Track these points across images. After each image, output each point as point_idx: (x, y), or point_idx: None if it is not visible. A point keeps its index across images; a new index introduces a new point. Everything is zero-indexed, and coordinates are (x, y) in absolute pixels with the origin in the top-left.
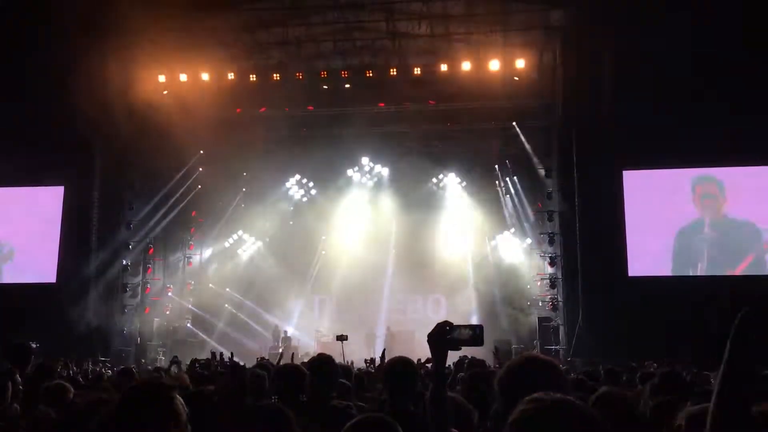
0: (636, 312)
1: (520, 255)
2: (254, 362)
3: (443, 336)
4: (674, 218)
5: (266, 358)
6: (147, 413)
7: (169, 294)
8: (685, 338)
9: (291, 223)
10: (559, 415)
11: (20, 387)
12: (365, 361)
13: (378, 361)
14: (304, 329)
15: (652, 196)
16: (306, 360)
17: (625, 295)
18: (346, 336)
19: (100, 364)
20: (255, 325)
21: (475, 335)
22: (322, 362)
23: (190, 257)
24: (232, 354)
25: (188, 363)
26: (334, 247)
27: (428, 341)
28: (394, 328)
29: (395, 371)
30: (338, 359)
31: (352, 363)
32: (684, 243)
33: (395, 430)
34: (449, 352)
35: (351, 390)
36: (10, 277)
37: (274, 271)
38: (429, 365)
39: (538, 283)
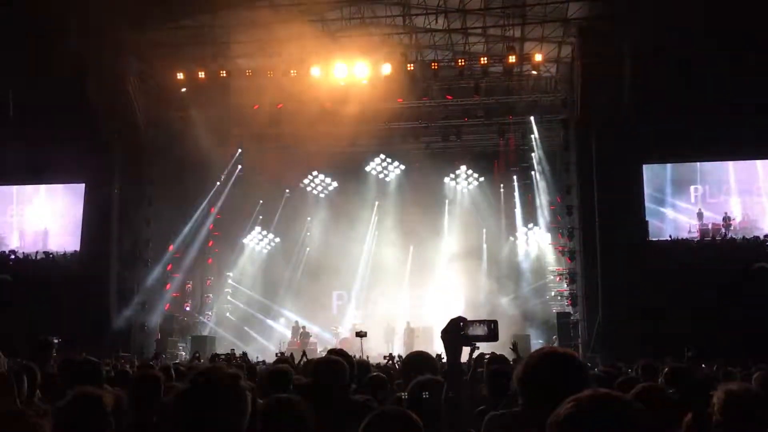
0: (656, 306)
1: (539, 250)
2: (272, 358)
3: (457, 332)
4: (694, 213)
5: (283, 353)
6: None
7: (189, 290)
8: (707, 333)
9: (309, 219)
10: (608, 412)
11: (39, 381)
12: (384, 357)
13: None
14: (322, 325)
15: (671, 189)
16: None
17: (645, 290)
18: (365, 332)
19: (122, 360)
20: (273, 321)
21: (489, 331)
22: (338, 356)
23: (209, 254)
24: (243, 353)
25: (209, 358)
26: (352, 242)
27: (442, 337)
28: (412, 324)
29: (413, 367)
30: (357, 355)
31: (367, 357)
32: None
33: (414, 422)
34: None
35: (387, 384)
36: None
37: (292, 267)
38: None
39: (558, 278)
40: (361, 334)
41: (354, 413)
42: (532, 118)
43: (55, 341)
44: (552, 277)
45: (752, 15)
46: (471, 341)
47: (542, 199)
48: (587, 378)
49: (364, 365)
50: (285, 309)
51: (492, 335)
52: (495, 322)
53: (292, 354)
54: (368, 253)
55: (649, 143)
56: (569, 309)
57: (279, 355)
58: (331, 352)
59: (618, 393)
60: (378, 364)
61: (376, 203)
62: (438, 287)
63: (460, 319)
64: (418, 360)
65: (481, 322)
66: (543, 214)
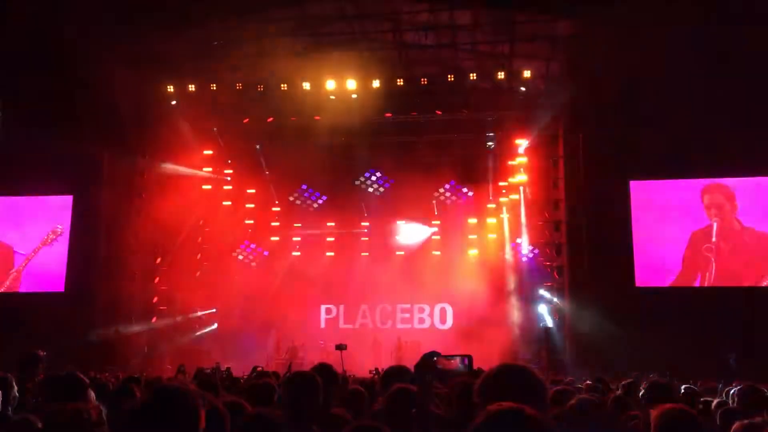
0: (644, 322)
1: (528, 264)
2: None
3: (430, 368)
4: (682, 229)
5: (261, 367)
6: (171, 417)
7: (176, 303)
8: (692, 349)
9: (298, 232)
10: (510, 422)
11: (16, 395)
12: (370, 371)
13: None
14: (309, 339)
15: (659, 206)
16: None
17: (632, 305)
18: (345, 345)
19: (107, 373)
20: (261, 335)
21: (464, 366)
22: (323, 371)
23: (197, 267)
24: (228, 368)
25: (194, 373)
26: (340, 256)
27: (414, 373)
28: (403, 339)
29: (391, 382)
30: (338, 369)
31: (344, 371)
32: (692, 254)
33: None
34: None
35: (365, 400)
36: (23, 286)
37: (280, 280)
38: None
39: (545, 293)
40: (340, 347)
41: (330, 427)
42: (520, 133)
43: (42, 354)
44: (540, 291)
45: (744, 28)
46: (445, 377)
47: (530, 214)
48: (542, 389)
49: (343, 380)
50: (273, 323)
51: (467, 371)
52: (470, 357)
53: (288, 370)
54: (356, 266)
55: (637, 160)
56: (557, 324)
57: (260, 369)
58: (319, 366)
59: (526, 407)
60: (363, 379)
61: (365, 216)
62: (426, 300)
63: (433, 353)
64: (397, 374)
65: (455, 356)
66: (531, 229)
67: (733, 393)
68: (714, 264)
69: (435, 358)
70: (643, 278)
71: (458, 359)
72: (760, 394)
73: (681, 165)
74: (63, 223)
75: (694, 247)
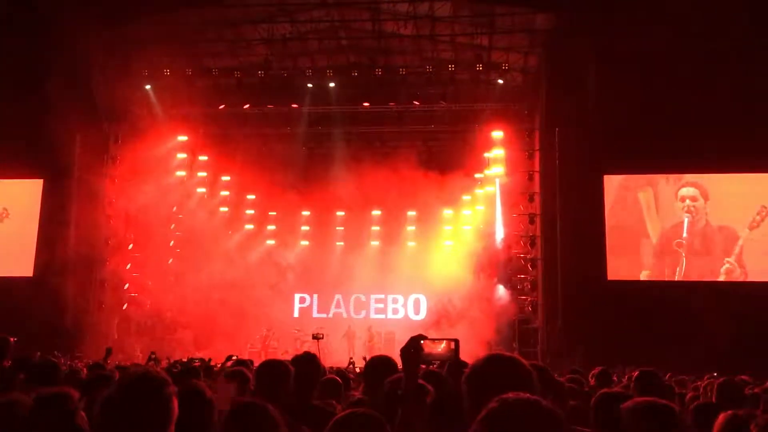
0: (614, 315)
1: (503, 257)
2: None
3: (417, 351)
4: (653, 224)
5: (235, 356)
6: (143, 404)
7: (148, 290)
8: (662, 342)
9: (272, 218)
10: (524, 412)
11: None
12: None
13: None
14: (283, 328)
15: (632, 200)
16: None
17: (604, 298)
18: (322, 335)
19: (76, 360)
20: (234, 324)
21: (450, 350)
22: (305, 360)
23: (170, 253)
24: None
25: (168, 361)
26: (314, 244)
27: (401, 356)
28: (374, 329)
29: (375, 371)
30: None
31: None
32: (663, 248)
33: (381, 423)
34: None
35: (341, 388)
36: None
37: (254, 269)
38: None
39: (520, 286)
40: (317, 337)
41: (312, 417)
42: (497, 125)
43: (12, 340)
44: (513, 283)
45: (721, 25)
46: (431, 361)
47: (506, 207)
48: (532, 379)
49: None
50: (247, 311)
51: (453, 355)
52: (456, 341)
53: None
54: (332, 256)
55: (612, 154)
56: (530, 316)
57: (235, 358)
58: (302, 355)
59: (539, 398)
60: (339, 369)
61: (339, 206)
62: (400, 291)
63: (420, 336)
64: (380, 365)
65: (441, 340)
66: (506, 222)
67: (709, 386)
68: (684, 258)
69: (421, 342)
70: (615, 271)
71: (445, 343)
72: (737, 387)
73: (654, 160)
74: (33, 207)
75: (666, 241)
